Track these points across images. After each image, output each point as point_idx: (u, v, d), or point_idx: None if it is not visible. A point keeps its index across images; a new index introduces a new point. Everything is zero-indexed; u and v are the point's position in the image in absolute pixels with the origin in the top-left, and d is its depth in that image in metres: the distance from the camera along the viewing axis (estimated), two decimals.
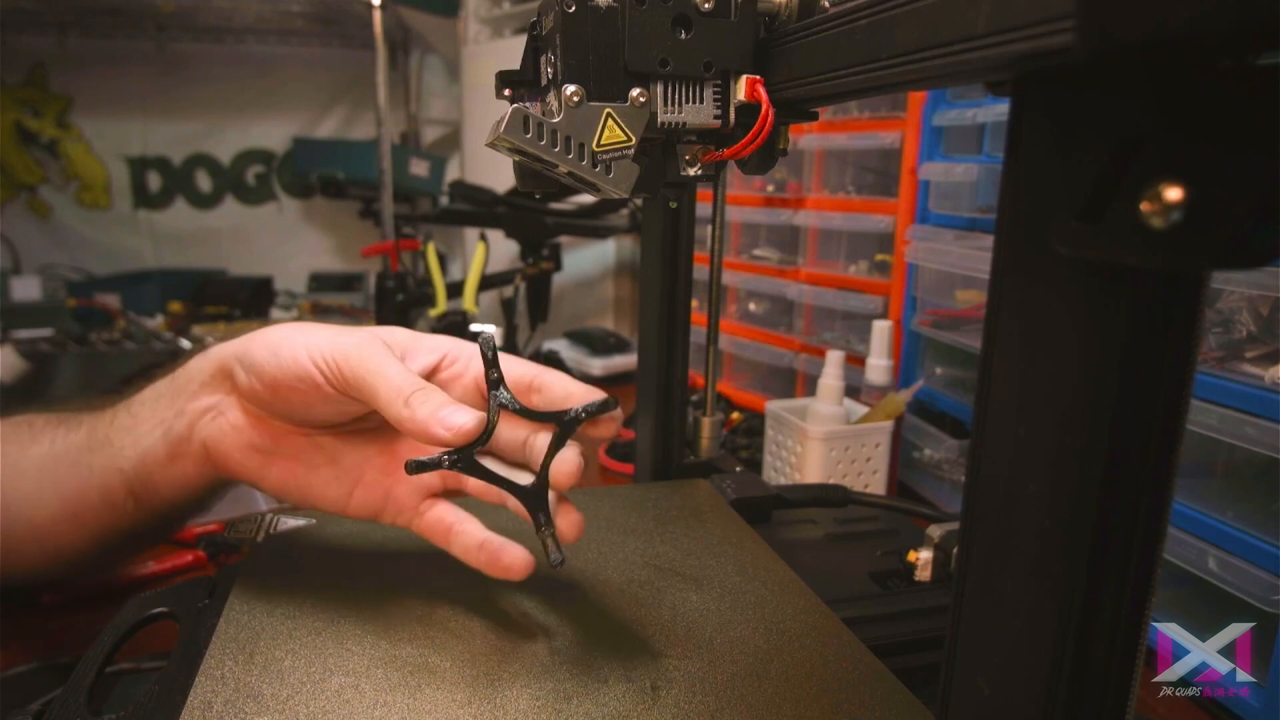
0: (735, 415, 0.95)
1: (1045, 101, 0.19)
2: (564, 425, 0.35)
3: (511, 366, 0.38)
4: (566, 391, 0.37)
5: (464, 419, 0.34)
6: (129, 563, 0.58)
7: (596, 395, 0.36)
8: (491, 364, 0.35)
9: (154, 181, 2.11)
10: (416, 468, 0.33)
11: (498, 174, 1.31)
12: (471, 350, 0.39)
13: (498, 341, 0.45)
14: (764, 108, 0.32)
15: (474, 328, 0.38)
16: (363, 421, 0.41)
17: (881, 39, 0.23)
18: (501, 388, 0.35)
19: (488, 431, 0.34)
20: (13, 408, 0.50)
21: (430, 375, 0.39)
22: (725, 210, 0.49)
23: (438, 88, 2.12)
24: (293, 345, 0.37)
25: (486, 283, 1.19)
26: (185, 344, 1.30)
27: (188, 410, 0.42)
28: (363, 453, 0.41)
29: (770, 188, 0.99)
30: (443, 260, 1.38)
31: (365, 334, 0.38)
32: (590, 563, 0.43)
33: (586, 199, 1.21)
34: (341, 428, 0.41)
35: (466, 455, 0.34)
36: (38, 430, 0.47)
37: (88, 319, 1.57)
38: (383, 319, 1.17)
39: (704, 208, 0.51)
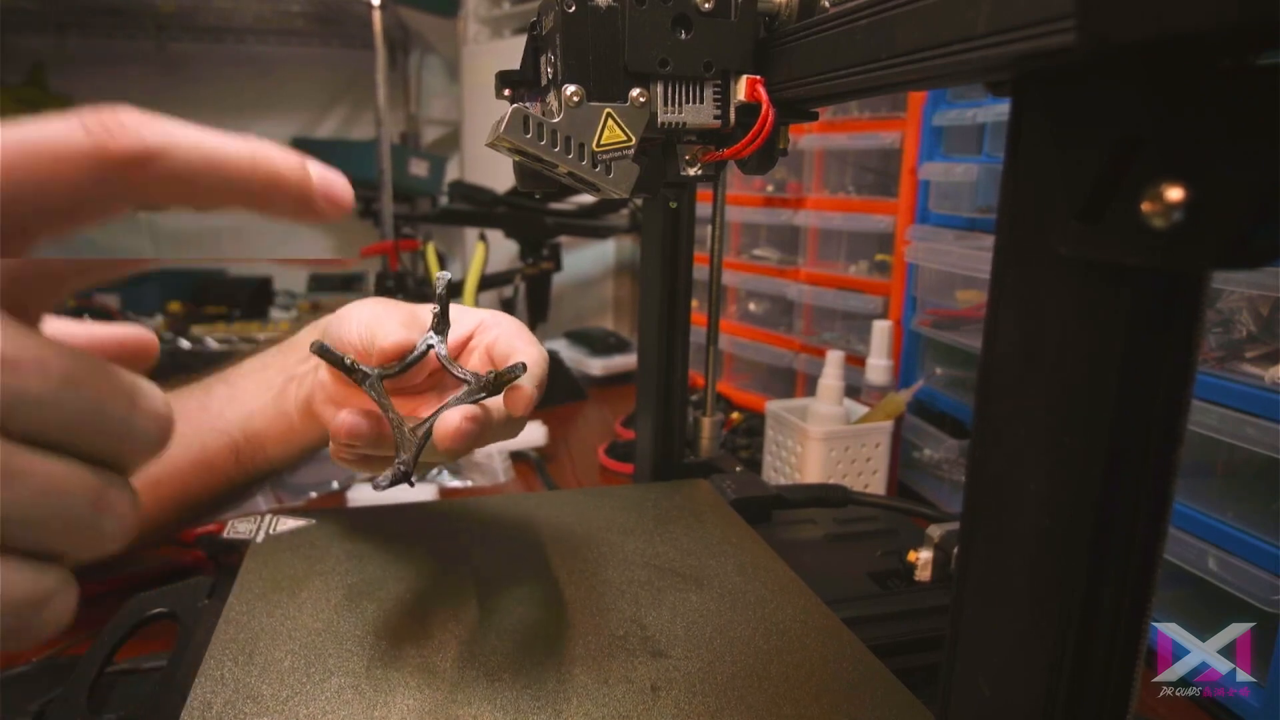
0: (735, 415, 0.95)
1: (1045, 101, 0.19)
2: (468, 389, 0.34)
3: (471, 318, 0.40)
4: (507, 350, 0.38)
5: (388, 342, 0.36)
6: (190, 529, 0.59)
7: (530, 358, 0.36)
8: (441, 305, 0.36)
9: None
10: (319, 349, 0.34)
11: (498, 174, 1.31)
12: (503, 322, 0.41)
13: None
14: (764, 108, 0.32)
15: (439, 275, 0.37)
16: (405, 389, 0.42)
17: (881, 39, 0.23)
18: (438, 331, 0.36)
19: (402, 362, 0.35)
20: None
21: (465, 342, 0.41)
22: (725, 210, 0.49)
23: (438, 88, 2.11)
24: (351, 317, 0.40)
25: (486, 283, 1.19)
26: (185, 344, 1.30)
27: (298, 372, 0.49)
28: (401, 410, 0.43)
29: (770, 188, 0.99)
30: (442, 260, 1.37)
31: (402, 308, 0.41)
32: (590, 563, 0.43)
33: (586, 199, 1.21)
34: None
35: (375, 373, 0.35)
36: None
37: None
38: None
39: (704, 208, 0.51)
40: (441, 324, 0.36)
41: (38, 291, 0.20)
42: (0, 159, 0.18)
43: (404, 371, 0.36)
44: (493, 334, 0.40)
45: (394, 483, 0.32)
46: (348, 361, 0.34)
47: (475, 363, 0.41)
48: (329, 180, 0.22)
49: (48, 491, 0.18)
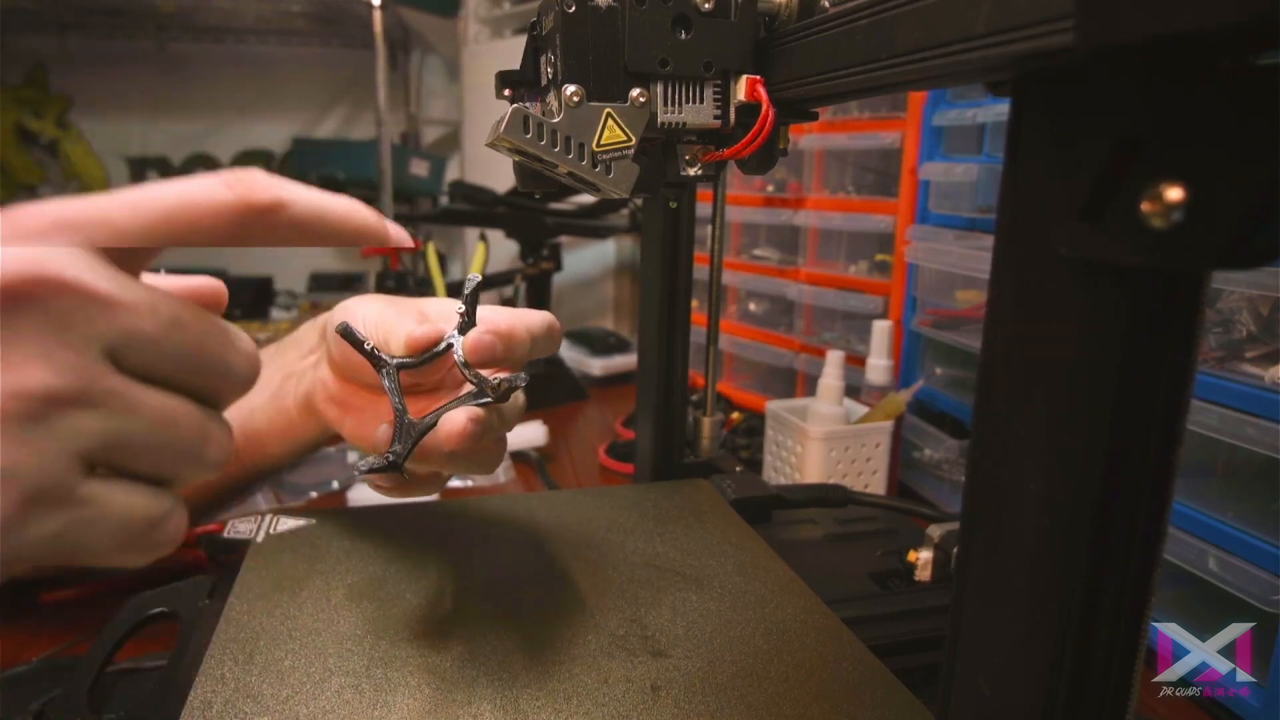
0: (735, 415, 0.95)
1: (1045, 101, 0.19)
2: (472, 394, 0.34)
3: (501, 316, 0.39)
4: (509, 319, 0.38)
5: (419, 333, 0.36)
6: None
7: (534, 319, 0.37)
8: (469, 305, 0.36)
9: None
10: (344, 331, 0.34)
11: (498, 174, 1.31)
12: (501, 311, 0.41)
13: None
14: (764, 108, 0.32)
15: (470, 276, 0.38)
16: (415, 387, 0.42)
17: (881, 39, 0.23)
18: (462, 331, 0.36)
19: (419, 356, 0.35)
20: None
21: None
22: (725, 210, 0.49)
23: (438, 88, 2.12)
24: (357, 313, 0.40)
25: (487, 283, 1.19)
26: None
27: (298, 369, 0.48)
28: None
29: (770, 188, 0.99)
30: (443, 260, 1.38)
31: (409, 303, 0.41)
32: (590, 563, 0.43)
33: (586, 199, 1.21)
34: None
35: (393, 363, 0.35)
36: None
37: None
38: None
39: (704, 208, 0.51)
40: (467, 324, 0.36)
41: (141, 254, 0.23)
42: (164, 210, 0.22)
43: (421, 365, 0.36)
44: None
45: (379, 469, 0.32)
46: (368, 346, 0.35)
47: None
48: (397, 226, 0.28)
49: (161, 421, 0.21)
